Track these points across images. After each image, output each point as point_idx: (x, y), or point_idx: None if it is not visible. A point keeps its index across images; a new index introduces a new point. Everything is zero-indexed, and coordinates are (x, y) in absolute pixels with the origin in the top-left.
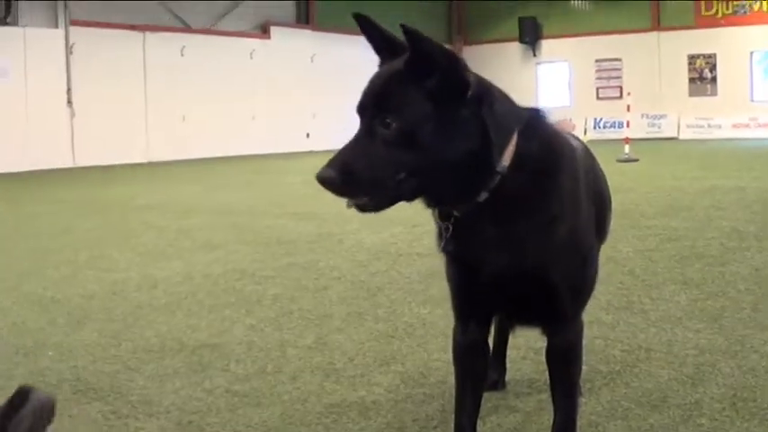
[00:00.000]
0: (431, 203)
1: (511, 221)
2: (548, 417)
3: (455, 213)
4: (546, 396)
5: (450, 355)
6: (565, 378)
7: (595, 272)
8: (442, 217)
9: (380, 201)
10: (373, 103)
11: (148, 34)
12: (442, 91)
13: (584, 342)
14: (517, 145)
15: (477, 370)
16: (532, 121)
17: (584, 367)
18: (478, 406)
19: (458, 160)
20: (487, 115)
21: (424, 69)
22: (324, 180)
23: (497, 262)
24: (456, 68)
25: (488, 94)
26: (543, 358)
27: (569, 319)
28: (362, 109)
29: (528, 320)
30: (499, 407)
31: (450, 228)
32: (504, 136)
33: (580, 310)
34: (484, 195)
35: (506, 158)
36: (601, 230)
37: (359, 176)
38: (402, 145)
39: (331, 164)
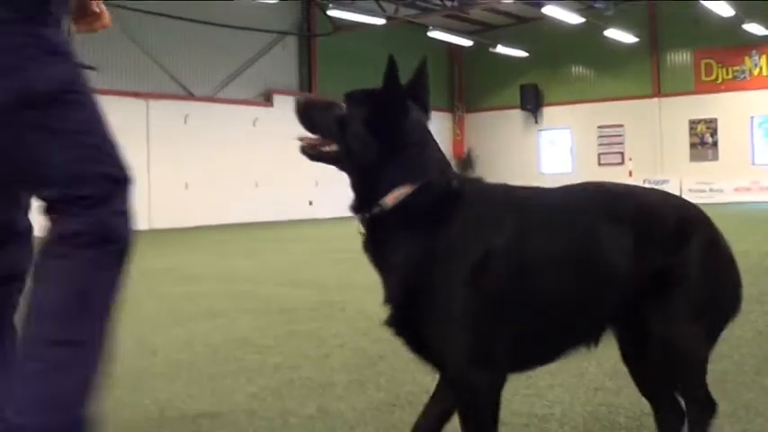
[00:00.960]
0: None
1: (388, 261)
2: None
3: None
4: None
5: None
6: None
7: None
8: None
9: (313, 149)
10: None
11: (151, 102)
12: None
13: (590, 409)
14: (412, 193)
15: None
16: (445, 177)
17: None
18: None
19: (366, 161)
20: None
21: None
22: (297, 101)
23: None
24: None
25: (422, 142)
26: None
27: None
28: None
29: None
30: None
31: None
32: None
33: (459, 364)
34: (377, 209)
35: (389, 200)
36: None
37: (314, 118)
38: (340, 122)
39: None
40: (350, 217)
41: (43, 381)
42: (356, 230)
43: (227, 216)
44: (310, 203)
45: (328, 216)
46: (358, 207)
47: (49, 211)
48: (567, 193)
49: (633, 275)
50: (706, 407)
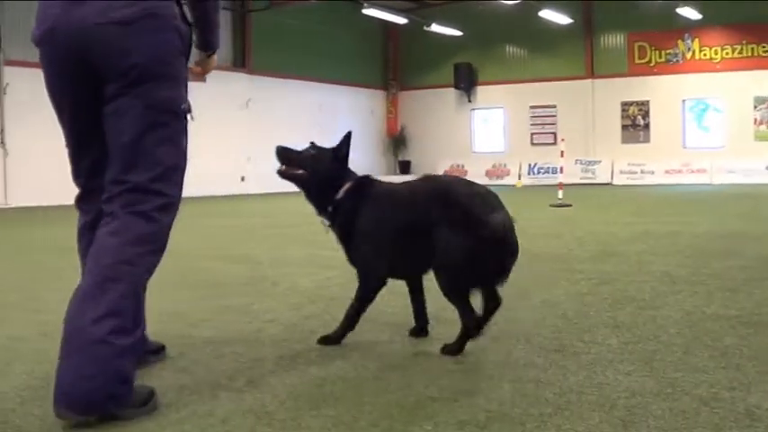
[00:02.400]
0: (311, 204)
1: (341, 223)
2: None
3: (325, 222)
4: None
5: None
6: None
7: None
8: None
9: (288, 173)
10: (310, 145)
11: None
12: (336, 155)
13: (517, 385)
14: (349, 189)
15: None
16: (362, 179)
17: (516, 409)
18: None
19: (321, 180)
20: (346, 174)
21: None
22: (278, 148)
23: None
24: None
25: (349, 170)
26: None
27: (360, 279)
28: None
29: None
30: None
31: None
32: (345, 183)
33: (362, 278)
34: (330, 208)
35: (341, 193)
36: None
37: (289, 156)
38: (309, 158)
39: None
40: (282, 193)
41: None
42: (289, 207)
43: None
44: (242, 179)
45: (260, 191)
46: (323, 207)
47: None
48: (413, 185)
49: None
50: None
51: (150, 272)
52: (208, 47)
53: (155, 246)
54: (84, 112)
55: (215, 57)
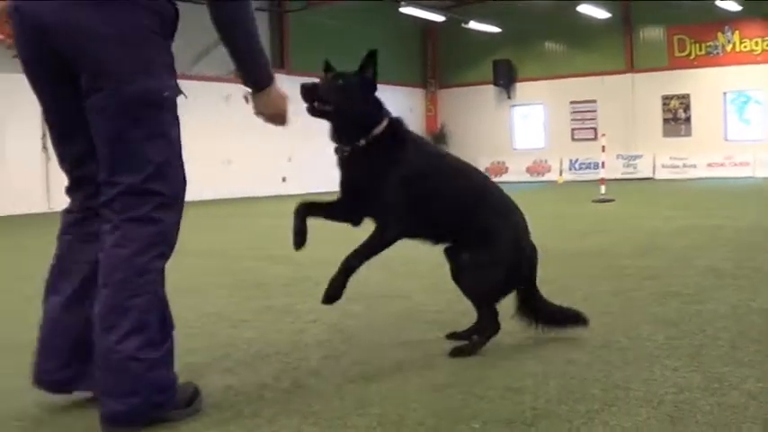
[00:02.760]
0: (335, 135)
1: (367, 162)
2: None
3: (344, 152)
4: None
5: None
6: (360, 245)
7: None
8: (338, 152)
9: (318, 110)
10: (333, 74)
11: None
12: (365, 85)
13: (564, 382)
14: (387, 127)
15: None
16: (398, 120)
17: (563, 406)
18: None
19: (356, 116)
20: (380, 106)
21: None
22: (302, 85)
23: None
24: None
25: (380, 101)
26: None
27: (380, 226)
28: (327, 75)
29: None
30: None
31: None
32: (380, 118)
33: (384, 224)
34: (362, 142)
35: (378, 130)
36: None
37: (316, 92)
38: (337, 90)
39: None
40: (323, 192)
41: None
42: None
43: (200, 193)
44: (283, 180)
45: (301, 192)
46: (350, 139)
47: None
48: (454, 158)
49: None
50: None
51: (163, 270)
52: (248, 80)
53: (162, 247)
54: (62, 104)
55: (270, 95)
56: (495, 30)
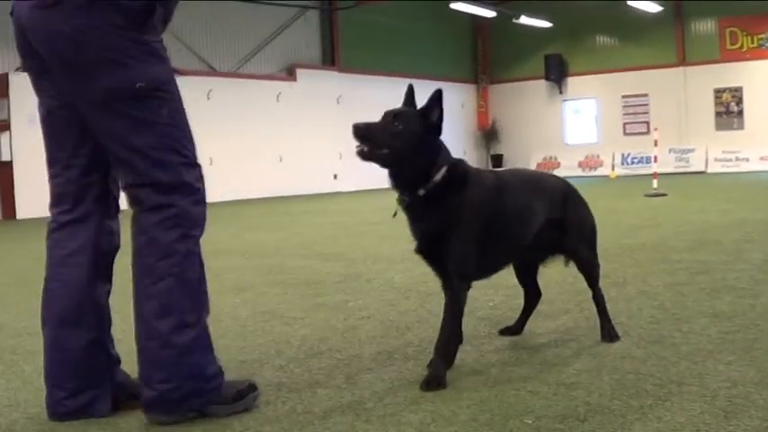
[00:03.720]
0: (393, 183)
1: (431, 213)
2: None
3: (405, 202)
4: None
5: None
6: (444, 316)
7: (469, 256)
8: (400, 202)
9: (370, 154)
10: (392, 114)
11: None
12: (429, 127)
13: (617, 377)
14: (446, 173)
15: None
16: (458, 162)
17: (616, 402)
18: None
19: (413, 164)
20: (440, 151)
21: (427, 114)
22: (355, 126)
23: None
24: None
25: (443, 144)
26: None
27: (456, 280)
28: (386, 115)
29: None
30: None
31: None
32: (441, 164)
33: (459, 278)
34: (422, 192)
35: (438, 176)
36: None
37: (370, 135)
38: (395, 135)
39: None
40: (374, 190)
41: None
42: (383, 204)
43: (251, 191)
44: (335, 177)
45: (353, 189)
46: (411, 187)
47: (130, 193)
48: (513, 175)
49: (545, 221)
50: (595, 273)
51: (192, 252)
52: None
53: (183, 229)
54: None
55: None
56: (546, 24)
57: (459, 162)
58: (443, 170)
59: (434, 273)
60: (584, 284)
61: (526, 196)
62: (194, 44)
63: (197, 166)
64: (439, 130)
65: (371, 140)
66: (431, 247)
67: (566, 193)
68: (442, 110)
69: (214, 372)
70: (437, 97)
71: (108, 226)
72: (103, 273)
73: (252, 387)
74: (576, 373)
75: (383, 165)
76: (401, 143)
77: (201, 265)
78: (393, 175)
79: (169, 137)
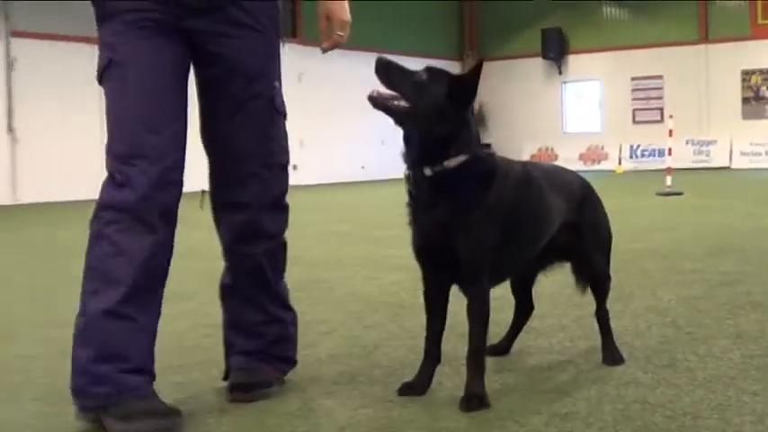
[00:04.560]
0: (404, 152)
1: (439, 201)
2: None
3: (410, 178)
4: None
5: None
6: (470, 325)
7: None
8: (408, 181)
9: (384, 103)
10: (425, 68)
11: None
12: (457, 99)
13: (620, 407)
14: (463, 164)
15: (436, 308)
16: (486, 158)
17: None
18: (440, 333)
19: (429, 129)
20: (461, 132)
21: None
22: (379, 59)
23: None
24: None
25: (472, 127)
26: None
27: (475, 284)
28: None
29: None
30: None
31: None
32: (460, 150)
33: (479, 280)
34: (428, 171)
35: (453, 163)
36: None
37: (391, 75)
38: (420, 86)
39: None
40: (340, 183)
41: None
42: (349, 200)
43: (194, 182)
44: (294, 168)
45: (314, 182)
46: (419, 162)
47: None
48: (534, 167)
49: (561, 224)
50: (607, 286)
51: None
52: None
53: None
54: None
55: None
56: None
57: (488, 157)
58: (461, 158)
59: (431, 281)
60: (583, 298)
61: (550, 194)
62: None
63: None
64: (465, 104)
65: (391, 83)
66: (434, 245)
67: (585, 193)
68: (476, 83)
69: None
70: (477, 69)
71: None
72: None
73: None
74: (572, 401)
75: (396, 119)
76: (425, 100)
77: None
78: (405, 140)
79: (113, 123)
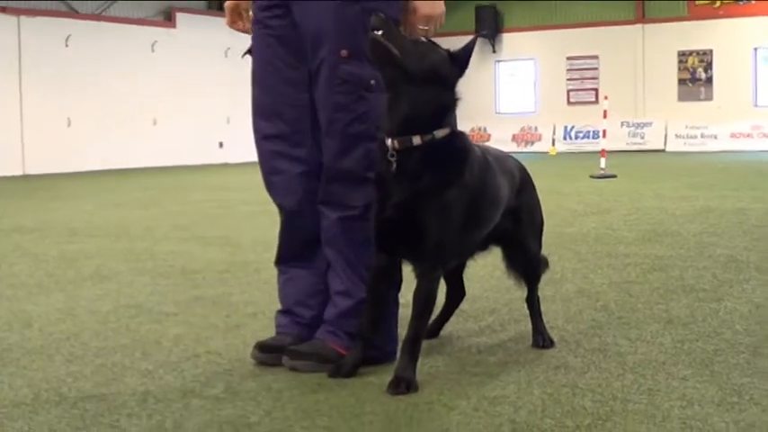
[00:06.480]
0: (386, 118)
1: (421, 173)
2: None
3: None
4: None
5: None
6: (414, 308)
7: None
8: (382, 150)
9: (384, 49)
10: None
11: (24, 19)
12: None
13: (549, 391)
14: (450, 134)
15: (381, 290)
16: (462, 134)
17: (548, 420)
18: (379, 316)
19: (424, 94)
20: (450, 108)
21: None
22: (377, 16)
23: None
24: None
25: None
26: None
27: (429, 267)
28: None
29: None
30: None
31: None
32: (451, 120)
33: (438, 259)
34: (417, 141)
35: (440, 134)
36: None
37: (391, 34)
38: (420, 47)
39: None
40: None
41: None
42: None
43: (119, 160)
44: (221, 145)
45: (242, 161)
46: (407, 130)
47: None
48: (486, 152)
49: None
50: (540, 271)
51: None
52: None
53: None
54: None
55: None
56: None
57: (462, 134)
58: (447, 131)
59: (383, 259)
60: (513, 281)
61: (501, 178)
62: None
63: None
64: (459, 76)
65: (392, 41)
66: (404, 219)
67: (523, 178)
68: (469, 57)
69: None
70: (471, 46)
71: None
72: None
73: None
74: (501, 384)
75: (390, 77)
76: (427, 63)
77: None
78: (391, 105)
79: None
